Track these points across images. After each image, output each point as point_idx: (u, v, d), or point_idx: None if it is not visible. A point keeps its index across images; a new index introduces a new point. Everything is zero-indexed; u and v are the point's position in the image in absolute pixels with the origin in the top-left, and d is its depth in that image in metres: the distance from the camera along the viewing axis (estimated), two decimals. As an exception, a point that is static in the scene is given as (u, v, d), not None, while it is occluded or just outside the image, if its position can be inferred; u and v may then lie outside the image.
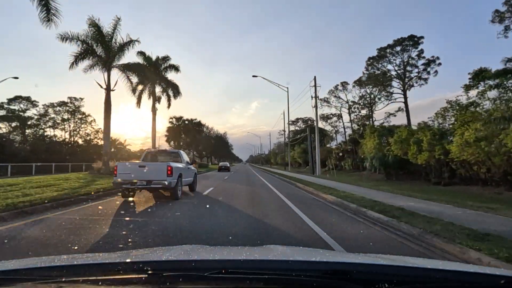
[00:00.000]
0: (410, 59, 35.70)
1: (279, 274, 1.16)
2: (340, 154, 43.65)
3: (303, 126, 77.50)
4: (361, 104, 42.75)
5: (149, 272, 1.13)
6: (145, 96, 26.69)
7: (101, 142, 69.68)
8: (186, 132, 49.64)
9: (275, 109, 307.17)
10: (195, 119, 52.47)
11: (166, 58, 26.39)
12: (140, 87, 25.81)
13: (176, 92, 28.28)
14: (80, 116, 56.16)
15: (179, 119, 48.63)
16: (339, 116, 49.47)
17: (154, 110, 27.08)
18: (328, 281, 1.14)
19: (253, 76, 34.17)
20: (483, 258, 3.23)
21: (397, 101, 38.70)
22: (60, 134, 55.97)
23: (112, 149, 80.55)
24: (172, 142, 49.67)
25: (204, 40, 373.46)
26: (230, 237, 4.79)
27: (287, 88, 34.35)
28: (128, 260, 1.37)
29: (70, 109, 55.12)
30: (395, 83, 38.58)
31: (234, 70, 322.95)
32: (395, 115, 42.29)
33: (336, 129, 51.18)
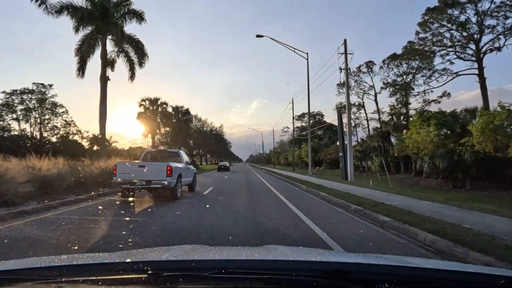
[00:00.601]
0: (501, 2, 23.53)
1: (279, 274, 1.14)
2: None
3: (311, 121, 65.58)
4: (399, 85, 30.85)
5: (149, 272, 1.12)
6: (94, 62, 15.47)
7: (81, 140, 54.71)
8: (166, 121, 36.41)
9: (275, 109, 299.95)
10: (181, 107, 40.15)
11: (123, 2, 14.26)
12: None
13: (140, 54, 15.97)
14: (48, 106, 43.19)
15: (154, 101, 35.81)
16: (360, 106, 37.72)
17: (104, 79, 14.69)
18: (328, 281, 1.13)
19: (258, 36, 21.18)
20: None
21: (465, 73, 26.86)
22: (23, 127, 42.28)
23: (95, 147, 65.95)
24: (151, 136, 35.94)
25: (204, 40, 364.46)
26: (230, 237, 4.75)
27: (307, 54, 22.95)
28: (128, 260, 1.35)
29: (36, 98, 42.33)
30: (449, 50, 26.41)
31: (234, 70, 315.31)
32: (439, 102, 30.57)
33: (356, 121, 39.25)
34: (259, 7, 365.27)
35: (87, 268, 1.23)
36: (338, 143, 71.80)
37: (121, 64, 20.51)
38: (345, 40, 24.27)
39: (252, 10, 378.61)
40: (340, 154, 21.99)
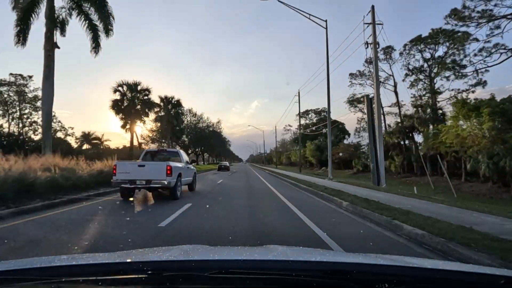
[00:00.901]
0: None
1: (279, 274, 1.14)
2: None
3: (316, 119, 61.27)
4: (442, 63, 25.23)
5: (149, 272, 1.12)
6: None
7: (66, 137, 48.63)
8: (149, 112, 29.90)
9: (275, 109, 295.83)
10: (172, 97, 34.12)
11: None
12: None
13: (103, 15, 8.96)
14: (27, 100, 37.64)
15: (133, 87, 29.08)
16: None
17: (51, 46, 7.58)
18: (328, 281, 1.12)
19: (262, -3, 15.04)
20: None
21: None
22: (1, 122, 41.87)
23: (85, 146, 59.89)
24: (130, 130, 29.36)
25: (204, 40, 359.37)
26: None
27: (326, 21, 16.84)
28: (128, 260, 1.35)
29: (15, 90, 36.97)
30: None
31: (234, 70, 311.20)
32: (472, 91, 25.11)
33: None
34: (259, 6, 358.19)
35: (87, 268, 1.24)
36: (344, 141, 65.55)
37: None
38: (372, 7, 19.35)
39: (252, 10, 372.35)
40: (371, 152, 16.44)
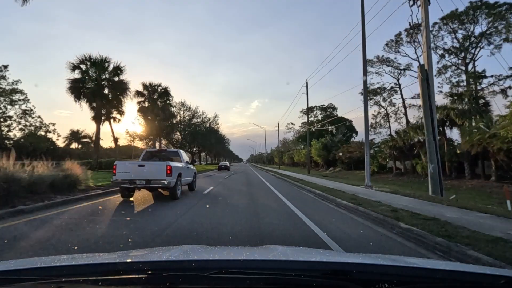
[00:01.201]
0: None
1: (279, 274, 1.14)
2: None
3: (321, 116, 55.89)
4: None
5: (149, 272, 1.13)
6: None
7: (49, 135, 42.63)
8: (120, 97, 22.90)
9: (275, 109, 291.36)
10: (158, 85, 28.40)
11: None
12: None
13: None
14: (2, 92, 32.30)
15: (99, 64, 22.39)
16: (392, 90, 27.04)
17: None
18: (328, 281, 1.13)
19: None
20: None
21: None
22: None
23: (74, 145, 53.60)
24: (95, 122, 22.70)
25: (204, 40, 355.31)
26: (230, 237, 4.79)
27: None
28: (128, 260, 1.34)
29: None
30: None
31: (234, 70, 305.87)
32: None
33: (390, 109, 28.87)
34: (259, 6, 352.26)
35: (87, 268, 1.24)
36: (352, 140, 59.10)
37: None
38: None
39: (252, 10, 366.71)
40: (429, 146, 11.09)
